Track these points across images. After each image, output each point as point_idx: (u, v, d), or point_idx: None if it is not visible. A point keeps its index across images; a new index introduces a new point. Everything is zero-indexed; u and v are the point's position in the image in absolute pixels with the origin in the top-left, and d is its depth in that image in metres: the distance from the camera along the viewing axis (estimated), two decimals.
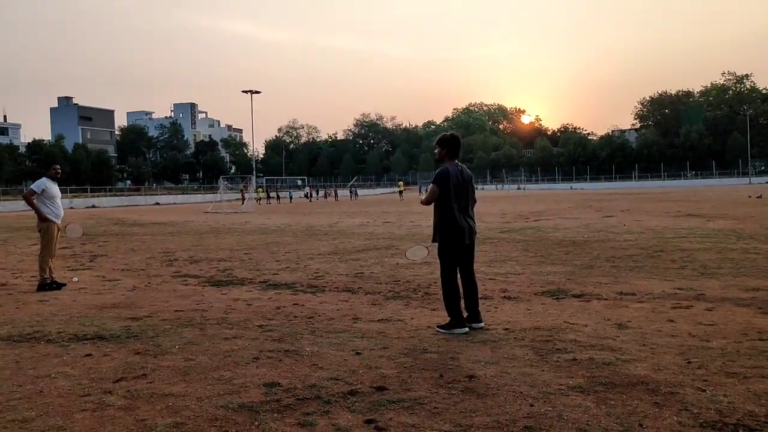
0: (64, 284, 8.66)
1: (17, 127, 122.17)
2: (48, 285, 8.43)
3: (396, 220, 22.86)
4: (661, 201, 32.98)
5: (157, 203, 58.11)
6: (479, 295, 5.80)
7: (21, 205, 49.37)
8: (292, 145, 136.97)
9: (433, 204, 5.65)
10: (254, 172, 70.29)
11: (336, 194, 62.73)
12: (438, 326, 5.58)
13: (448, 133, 5.88)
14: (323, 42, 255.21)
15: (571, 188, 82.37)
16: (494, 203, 38.49)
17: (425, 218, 23.33)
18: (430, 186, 5.67)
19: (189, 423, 3.51)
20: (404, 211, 30.32)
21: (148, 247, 14.60)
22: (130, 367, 4.65)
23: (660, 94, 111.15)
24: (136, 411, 3.72)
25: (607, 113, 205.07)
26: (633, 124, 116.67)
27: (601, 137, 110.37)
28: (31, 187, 8.68)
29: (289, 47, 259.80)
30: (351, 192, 63.50)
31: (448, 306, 5.52)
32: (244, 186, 47.73)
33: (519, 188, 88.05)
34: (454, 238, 5.53)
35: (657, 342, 4.90)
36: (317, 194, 64.12)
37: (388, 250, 12.56)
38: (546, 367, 4.32)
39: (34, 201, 8.54)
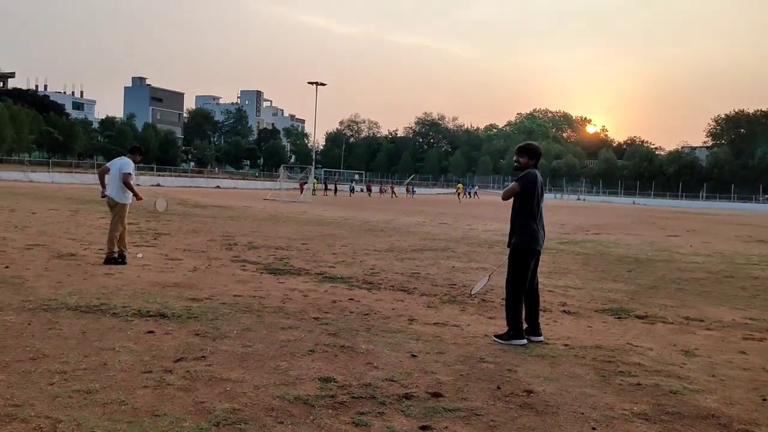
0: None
1: (92, 103, 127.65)
2: (114, 259, 8.73)
3: (452, 222, 22.70)
4: (730, 224, 31.65)
5: (218, 186, 59.54)
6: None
7: (91, 178, 51.42)
8: (352, 139, 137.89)
9: (513, 209, 5.54)
10: (313, 163, 71.07)
11: (393, 191, 62.86)
12: (495, 336, 5.48)
13: (535, 143, 5.81)
14: (392, 38, 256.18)
15: (634, 203, 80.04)
16: (553, 213, 37.73)
17: (482, 222, 23.09)
18: (512, 184, 5.56)
19: (246, 410, 3.54)
20: (461, 214, 30.11)
21: (209, 230, 14.94)
22: (190, 347, 4.74)
23: (736, 113, 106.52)
24: (194, 393, 3.78)
25: (677, 128, 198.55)
26: (704, 142, 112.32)
27: (670, 153, 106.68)
28: (128, 171, 9.11)
29: (358, 41, 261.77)
30: (408, 190, 63.50)
31: (510, 315, 5.39)
32: (304, 176, 48.39)
33: (579, 199, 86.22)
34: (531, 243, 5.42)
35: (727, 374, 4.66)
36: (371, 190, 64.03)
37: (444, 252, 12.46)
38: (609, 389, 4.17)
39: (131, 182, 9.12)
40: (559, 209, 45.13)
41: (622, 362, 4.84)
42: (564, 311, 6.90)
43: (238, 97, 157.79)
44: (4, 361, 4.21)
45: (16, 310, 5.67)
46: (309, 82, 70.74)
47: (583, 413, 3.69)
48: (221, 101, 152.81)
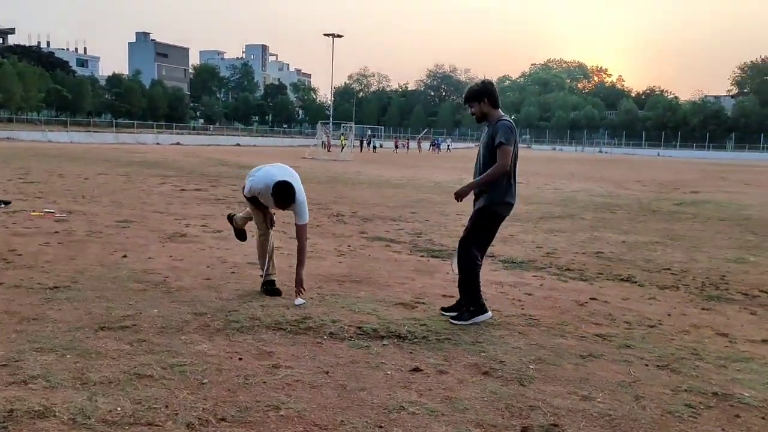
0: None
1: (96, 59, 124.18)
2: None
3: (521, 180, 20.93)
4: None
5: (238, 144, 57.72)
6: None
7: (110, 137, 49.55)
8: (361, 93, 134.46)
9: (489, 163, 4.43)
10: (330, 119, 68.96)
11: (419, 146, 61.22)
12: (454, 319, 4.46)
13: (480, 81, 4.55)
14: None
15: (659, 155, 77.89)
16: (603, 168, 36.03)
17: (552, 180, 21.37)
18: (502, 147, 4.31)
19: None
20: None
21: None
22: (506, 403, 3.14)
23: (763, 60, 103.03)
24: None
25: (693, 77, 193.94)
26: (728, 91, 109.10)
27: (694, 103, 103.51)
28: None
29: None
30: (434, 145, 61.44)
31: (474, 290, 4.50)
32: (343, 133, 46.52)
33: (600, 152, 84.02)
34: (505, 209, 4.51)
35: None
36: (397, 147, 61.78)
37: (580, 220, 10.81)
38: None
39: None
40: (596, 163, 43.33)
41: None
42: None
43: (243, 52, 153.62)
44: None
45: (200, 331, 4.06)
46: (325, 34, 68.02)
47: None
48: (226, 56, 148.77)
